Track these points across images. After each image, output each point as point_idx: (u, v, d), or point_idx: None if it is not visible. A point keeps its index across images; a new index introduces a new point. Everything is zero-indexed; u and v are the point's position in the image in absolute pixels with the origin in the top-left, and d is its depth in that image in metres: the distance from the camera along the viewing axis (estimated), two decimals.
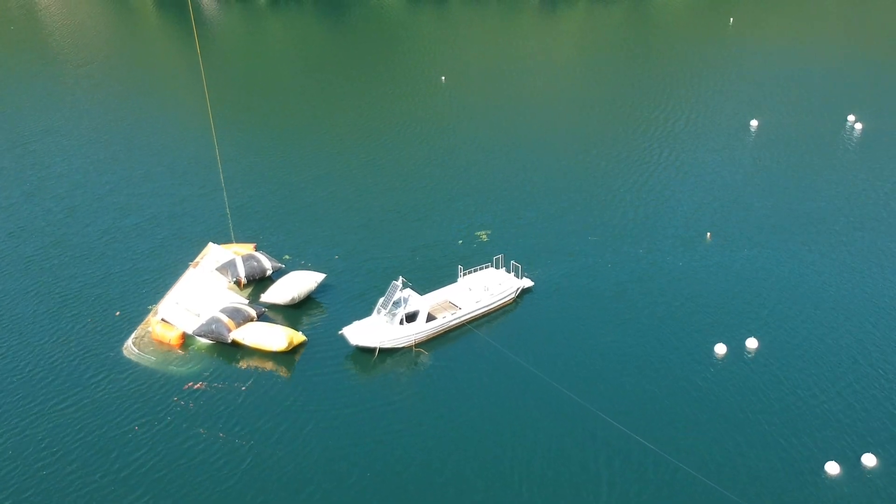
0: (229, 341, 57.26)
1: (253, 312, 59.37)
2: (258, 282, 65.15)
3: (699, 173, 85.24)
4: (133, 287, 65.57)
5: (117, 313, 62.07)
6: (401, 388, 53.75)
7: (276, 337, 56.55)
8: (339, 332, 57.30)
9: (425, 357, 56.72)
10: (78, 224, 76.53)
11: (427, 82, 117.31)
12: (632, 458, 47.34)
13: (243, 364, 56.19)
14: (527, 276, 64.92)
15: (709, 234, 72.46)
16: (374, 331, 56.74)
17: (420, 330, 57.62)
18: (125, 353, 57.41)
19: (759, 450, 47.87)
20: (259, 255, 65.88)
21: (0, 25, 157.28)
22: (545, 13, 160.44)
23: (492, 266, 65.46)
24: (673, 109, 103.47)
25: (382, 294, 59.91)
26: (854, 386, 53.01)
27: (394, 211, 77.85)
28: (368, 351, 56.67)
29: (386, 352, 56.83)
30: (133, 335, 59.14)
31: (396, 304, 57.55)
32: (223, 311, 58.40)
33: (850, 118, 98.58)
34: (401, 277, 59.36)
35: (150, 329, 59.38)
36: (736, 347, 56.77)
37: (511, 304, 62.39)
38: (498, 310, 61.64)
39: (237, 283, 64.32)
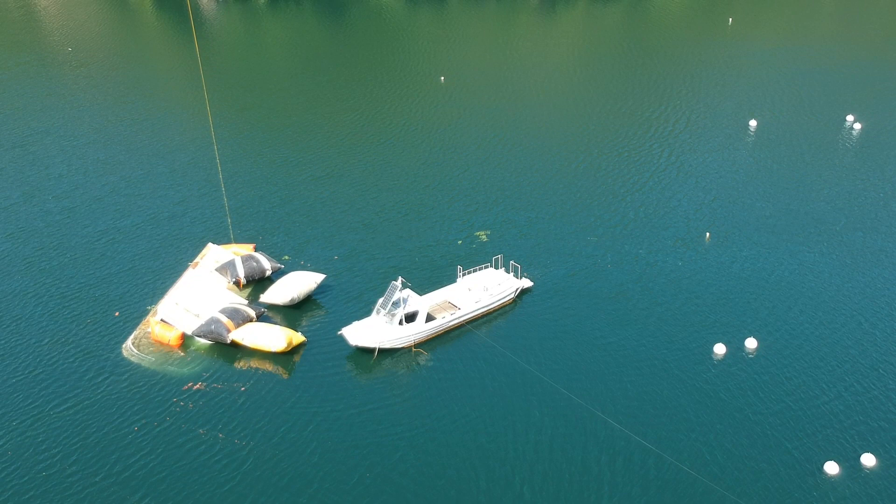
0: (229, 342, 57.23)
1: (252, 313, 59.34)
2: (257, 282, 65.14)
3: (698, 173, 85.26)
4: (132, 287, 65.53)
5: (116, 314, 62.03)
6: (400, 389, 53.70)
7: (275, 337, 56.51)
8: (339, 333, 57.29)
9: (424, 357, 56.67)
10: (77, 225, 76.46)
11: (426, 82, 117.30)
12: (633, 459, 47.35)
13: (243, 364, 56.15)
14: (526, 277, 64.91)
15: (708, 234, 72.45)
16: (373, 331, 56.70)
17: (419, 330, 57.58)
18: (125, 353, 57.36)
19: (759, 450, 47.89)
20: (258, 255, 65.84)
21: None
22: (544, 13, 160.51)
23: (491, 266, 65.44)
24: (672, 109, 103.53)
25: (382, 294, 59.90)
26: (854, 386, 53.04)
27: (393, 211, 77.82)
28: (368, 351, 56.64)
29: (385, 352, 56.81)
30: (132, 336, 59.10)
31: (396, 304, 57.50)
32: (222, 311, 58.37)
33: (850, 118, 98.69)
34: (400, 278, 59.34)
35: (149, 329, 59.33)
36: (735, 347, 56.79)
37: (510, 304, 62.36)
38: (497, 310, 61.62)
39: (236, 283, 64.29)
